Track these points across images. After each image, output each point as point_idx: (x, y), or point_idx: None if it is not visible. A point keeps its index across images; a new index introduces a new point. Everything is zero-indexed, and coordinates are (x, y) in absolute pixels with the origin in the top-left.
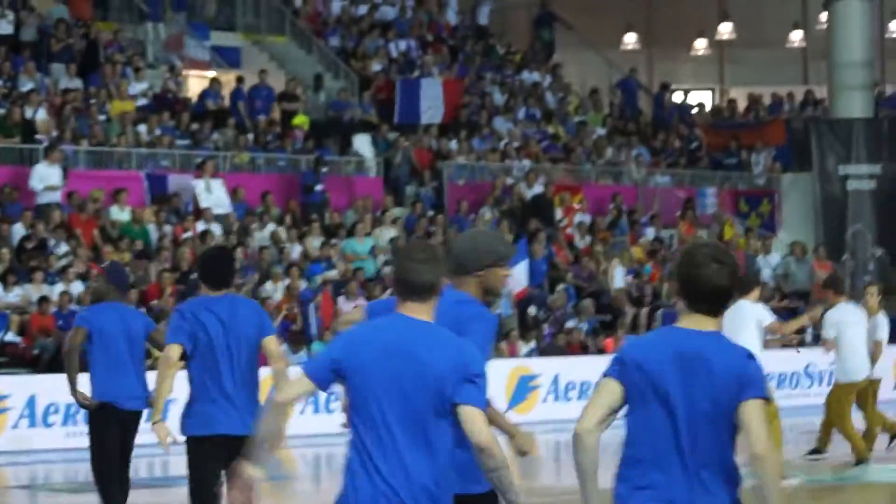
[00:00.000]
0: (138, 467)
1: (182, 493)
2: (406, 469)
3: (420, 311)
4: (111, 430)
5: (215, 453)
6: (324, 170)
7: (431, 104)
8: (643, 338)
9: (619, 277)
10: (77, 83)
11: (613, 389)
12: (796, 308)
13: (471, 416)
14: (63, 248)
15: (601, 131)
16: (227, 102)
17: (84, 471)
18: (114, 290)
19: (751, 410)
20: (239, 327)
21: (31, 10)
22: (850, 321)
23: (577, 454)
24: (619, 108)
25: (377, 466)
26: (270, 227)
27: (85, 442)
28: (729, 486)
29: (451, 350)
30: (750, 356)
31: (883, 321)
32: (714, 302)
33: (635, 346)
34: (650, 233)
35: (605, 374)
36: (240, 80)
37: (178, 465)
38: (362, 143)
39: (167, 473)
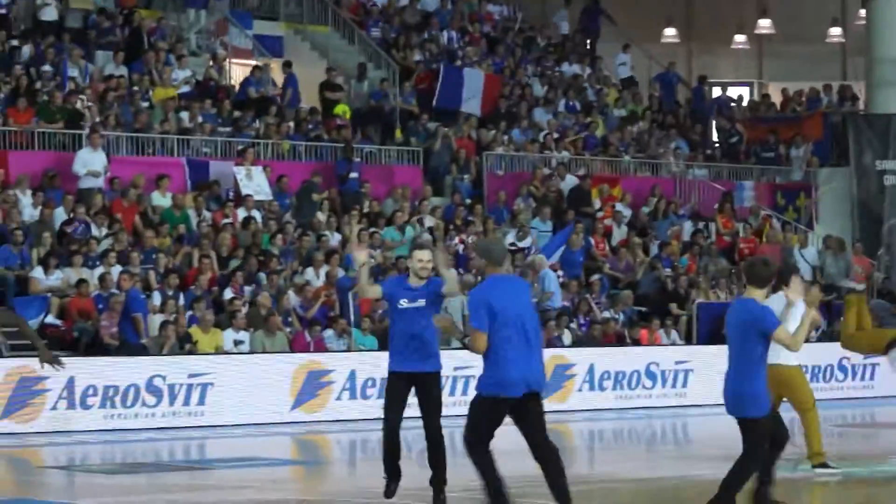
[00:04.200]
0: (174, 450)
1: (218, 475)
2: None
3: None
4: None
5: None
6: (356, 159)
7: (472, 94)
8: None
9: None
10: (121, 70)
11: None
12: (830, 301)
13: None
14: (104, 232)
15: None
16: (268, 90)
17: (121, 451)
18: None
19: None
20: None
21: None
22: None
23: None
24: (657, 101)
25: None
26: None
27: (122, 423)
28: None
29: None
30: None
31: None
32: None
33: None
34: (688, 226)
35: None
36: (288, 65)
37: (216, 447)
38: None
39: (203, 456)
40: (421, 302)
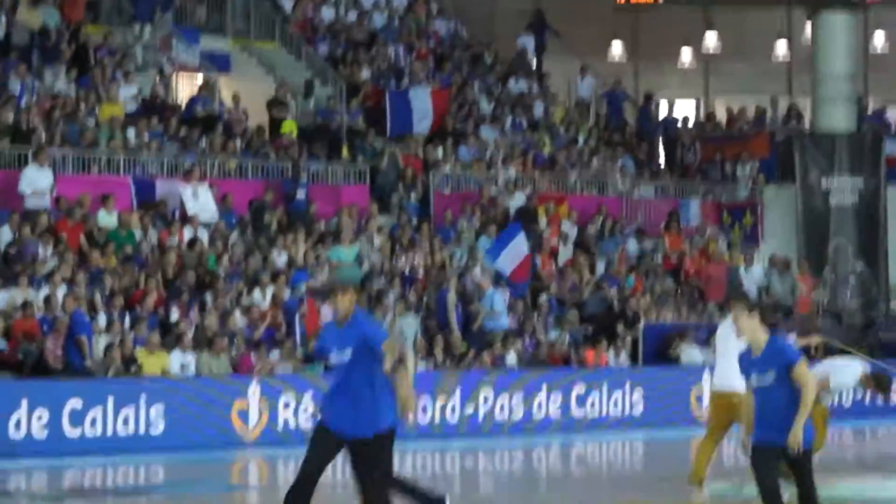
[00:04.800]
0: (121, 474)
1: (165, 499)
2: None
3: None
4: None
5: None
6: (303, 177)
7: (422, 115)
8: None
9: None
10: (68, 86)
11: None
12: (777, 323)
13: None
14: (49, 252)
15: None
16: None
17: (68, 476)
18: None
19: None
20: None
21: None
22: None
23: None
24: (604, 118)
25: None
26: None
27: (68, 447)
28: None
29: None
30: None
31: None
32: None
33: None
34: (633, 244)
35: None
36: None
37: (163, 471)
38: None
39: (151, 480)
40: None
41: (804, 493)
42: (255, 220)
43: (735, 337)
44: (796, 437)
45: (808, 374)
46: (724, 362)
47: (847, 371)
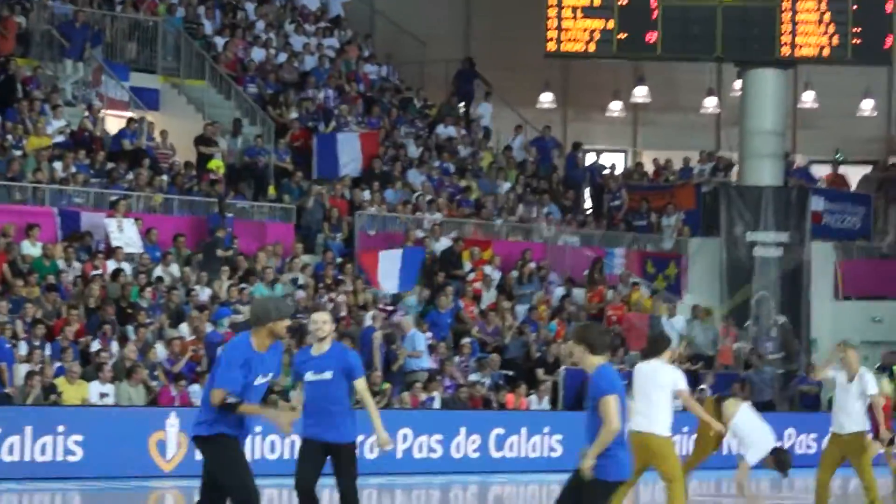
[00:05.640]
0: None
1: None
2: None
3: None
4: None
5: None
6: (229, 215)
7: (350, 158)
8: None
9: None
10: None
11: None
12: (697, 371)
13: None
14: None
15: (506, 185)
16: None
17: None
18: None
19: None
20: None
21: None
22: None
23: None
24: (532, 165)
25: None
26: (175, 268)
27: None
28: None
29: None
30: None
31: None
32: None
33: None
34: (558, 291)
35: None
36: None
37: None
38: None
39: None
40: (327, 374)
41: None
42: (206, 257)
43: (652, 380)
44: (585, 465)
45: (611, 411)
46: (642, 403)
47: (759, 447)
